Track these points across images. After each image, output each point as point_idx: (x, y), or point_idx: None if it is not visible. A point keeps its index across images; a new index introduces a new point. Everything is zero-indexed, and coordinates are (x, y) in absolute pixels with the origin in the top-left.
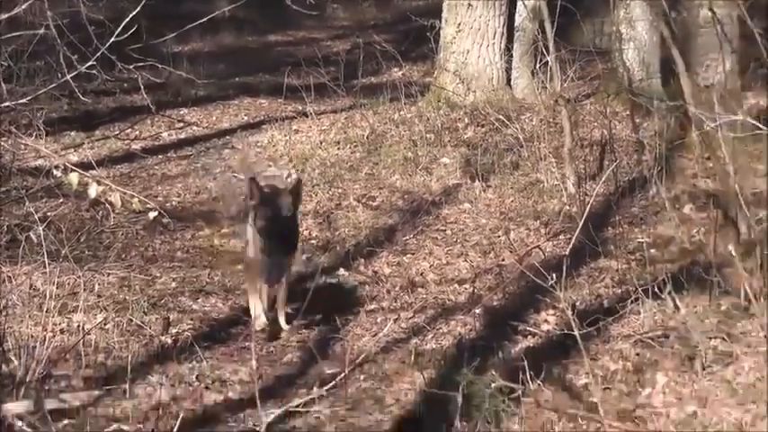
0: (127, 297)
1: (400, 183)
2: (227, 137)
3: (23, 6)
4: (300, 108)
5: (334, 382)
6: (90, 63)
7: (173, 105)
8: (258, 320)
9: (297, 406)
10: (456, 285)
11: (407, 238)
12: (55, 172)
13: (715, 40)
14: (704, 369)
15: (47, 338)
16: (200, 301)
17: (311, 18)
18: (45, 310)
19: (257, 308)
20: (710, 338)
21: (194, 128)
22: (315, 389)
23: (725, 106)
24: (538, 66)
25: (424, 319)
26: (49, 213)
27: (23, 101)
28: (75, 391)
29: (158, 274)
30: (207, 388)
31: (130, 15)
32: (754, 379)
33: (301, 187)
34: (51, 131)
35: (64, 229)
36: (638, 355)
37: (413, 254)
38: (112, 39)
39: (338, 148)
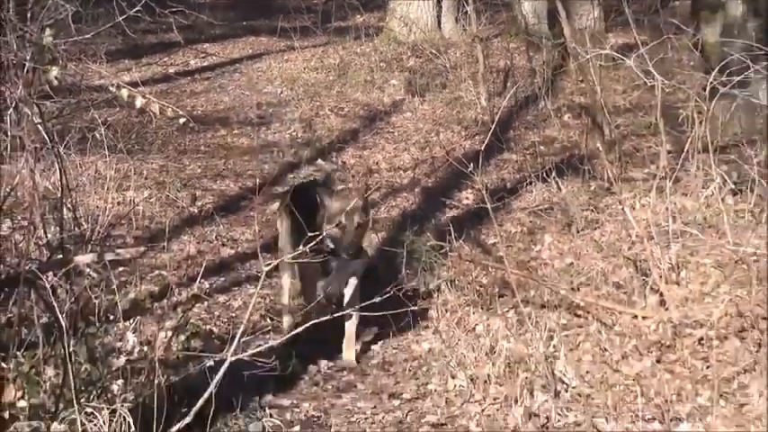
0: (165, 179)
1: (361, 98)
2: (237, 64)
3: None
4: (289, 44)
5: (314, 242)
6: (137, 9)
7: (197, 41)
8: (288, 319)
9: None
10: (401, 172)
11: (366, 137)
12: (111, 89)
13: None
14: (578, 232)
15: (107, 209)
16: (217, 182)
17: None
18: (106, 188)
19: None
20: (583, 210)
21: (213, 57)
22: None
23: (593, 43)
24: (460, 14)
25: (378, 195)
26: (108, 118)
27: (88, 36)
28: (128, 247)
29: (187, 163)
30: (223, 245)
31: None
32: (614, 239)
33: (368, 197)
34: (109, 59)
35: (119, 130)
36: (531, 222)
37: (370, 149)
38: None
39: (316, 73)
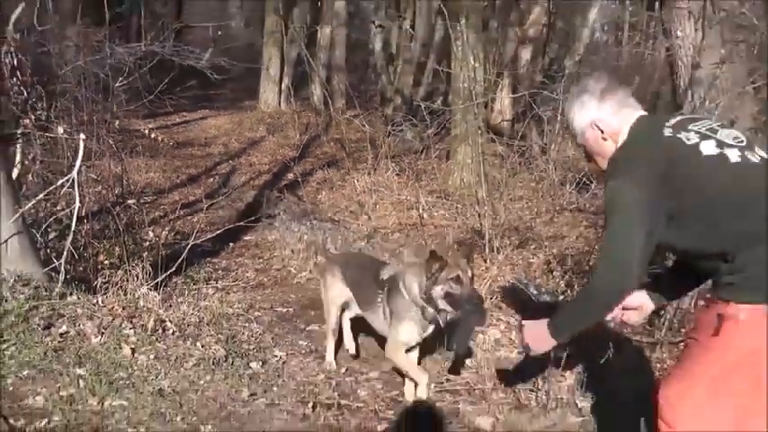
0: (166, 168)
1: (248, 135)
2: (197, 121)
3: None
4: (219, 112)
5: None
6: (150, 97)
7: (179, 111)
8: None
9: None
10: (264, 165)
11: (249, 151)
12: (142, 130)
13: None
14: (337, 190)
15: (141, 180)
16: (188, 169)
17: (224, 85)
18: (140, 171)
19: (416, 368)
20: (338, 180)
21: (186, 117)
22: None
23: (342, 113)
24: (290, 99)
25: (257, 175)
26: (141, 143)
27: (131, 108)
28: (149, 196)
29: (175, 161)
30: (190, 196)
31: (165, 82)
32: (351, 193)
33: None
34: (141, 117)
35: (146, 147)
36: (318, 185)
37: (251, 155)
38: (158, 89)
39: (230, 125)
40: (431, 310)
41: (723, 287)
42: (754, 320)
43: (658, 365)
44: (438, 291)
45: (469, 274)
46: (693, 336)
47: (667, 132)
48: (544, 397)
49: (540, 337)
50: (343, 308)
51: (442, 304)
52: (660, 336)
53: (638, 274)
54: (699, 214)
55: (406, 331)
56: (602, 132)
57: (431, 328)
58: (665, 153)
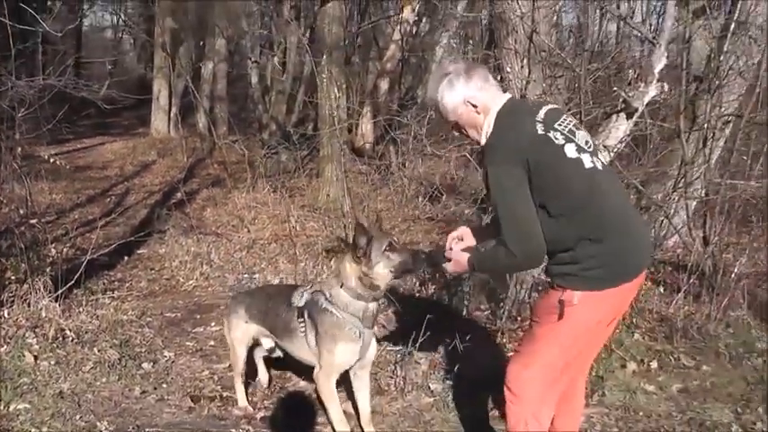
0: (68, 189)
1: (141, 159)
2: (96, 146)
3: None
4: (116, 139)
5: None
6: (49, 126)
7: (79, 138)
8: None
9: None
10: (157, 186)
11: (142, 173)
12: (44, 156)
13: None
14: (221, 205)
15: (44, 201)
16: (87, 189)
17: (119, 114)
18: (43, 193)
19: (340, 415)
20: (222, 198)
21: (85, 144)
22: None
23: (224, 139)
24: (178, 128)
25: (148, 195)
26: (44, 168)
27: (32, 136)
28: (51, 215)
29: (76, 182)
30: (90, 214)
31: (62, 112)
32: (234, 209)
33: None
34: (44, 144)
35: (48, 171)
36: (203, 202)
37: (144, 177)
38: (57, 118)
39: (125, 150)
40: (372, 305)
41: (561, 276)
42: (585, 304)
43: (500, 350)
44: (384, 259)
45: (396, 238)
46: (535, 319)
47: (540, 129)
48: (401, 382)
49: (459, 264)
50: (254, 345)
51: (388, 277)
52: (501, 324)
53: (543, 241)
54: (554, 210)
55: (343, 352)
56: (475, 108)
57: (373, 347)
58: (537, 149)
